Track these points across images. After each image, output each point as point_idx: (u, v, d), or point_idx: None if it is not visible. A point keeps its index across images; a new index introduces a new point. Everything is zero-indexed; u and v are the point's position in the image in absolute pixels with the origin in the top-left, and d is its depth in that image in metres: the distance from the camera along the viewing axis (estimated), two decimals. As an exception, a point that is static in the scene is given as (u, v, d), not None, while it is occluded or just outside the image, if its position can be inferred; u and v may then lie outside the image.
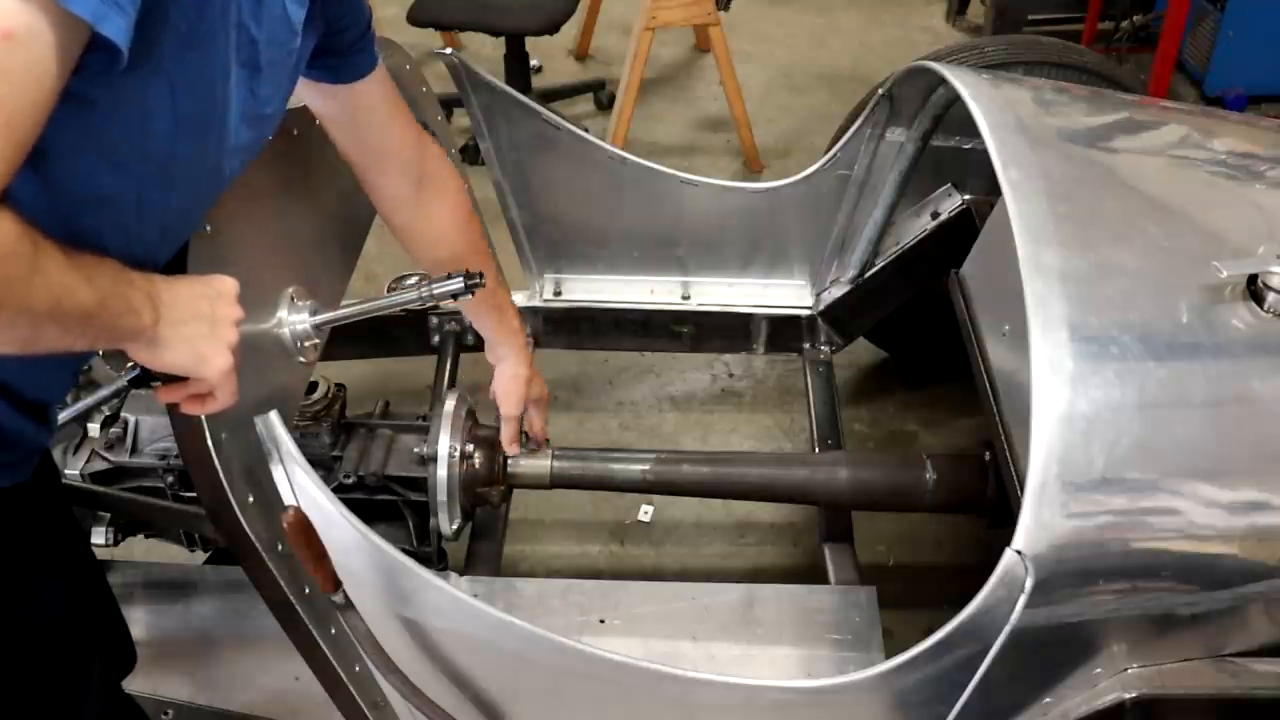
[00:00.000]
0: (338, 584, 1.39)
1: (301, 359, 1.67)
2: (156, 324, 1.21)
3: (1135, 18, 4.69)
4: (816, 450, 2.58)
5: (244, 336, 1.41)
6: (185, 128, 1.19)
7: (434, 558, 2.24)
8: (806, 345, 2.84)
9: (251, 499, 1.43)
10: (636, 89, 4.12)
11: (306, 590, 1.50)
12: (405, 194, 1.84)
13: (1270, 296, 1.57)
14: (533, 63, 4.62)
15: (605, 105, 4.65)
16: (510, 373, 2.18)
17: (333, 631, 1.55)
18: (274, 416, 1.43)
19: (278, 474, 1.43)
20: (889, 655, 1.98)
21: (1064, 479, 1.44)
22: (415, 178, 1.83)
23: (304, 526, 1.32)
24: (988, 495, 2.13)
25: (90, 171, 1.15)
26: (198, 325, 1.27)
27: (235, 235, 1.54)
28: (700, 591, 2.20)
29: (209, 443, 1.36)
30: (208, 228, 1.43)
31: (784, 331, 2.83)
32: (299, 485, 1.42)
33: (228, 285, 1.33)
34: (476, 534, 2.36)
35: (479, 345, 2.81)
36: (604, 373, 3.31)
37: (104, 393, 2.02)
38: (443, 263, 1.88)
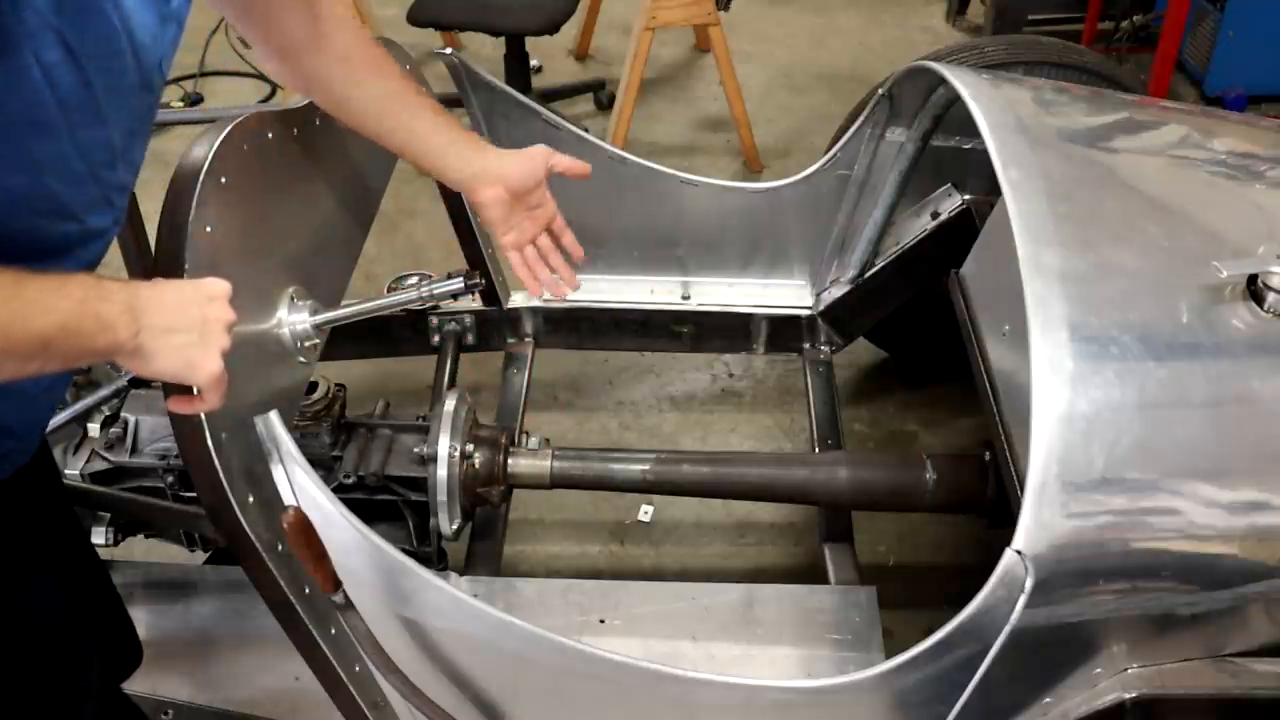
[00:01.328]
0: (338, 584, 1.39)
1: (301, 359, 1.67)
2: (137, 335, 1.20)
3: (1135, 18, 4.69)
4: (816, 450, 2.59)
5: (243, 336, 1.41)
6: (94, 65, 1.17)
7: (434, 558, 2.24)
8: (806, 345, 2.84)
9: (251, 499, 1.43)
10: (636, 89, 4.12)
11: (306, 590, 1.50)
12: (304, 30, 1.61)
13: (1270, 296, 1.57)
14: (533, 63, 4.62)
15: (605, 105, 4.65)
16: (517, 155, 1.86)
17: (333, 631, 1.55)
18: (274, 416, 1.43)
19: (278, 474, 1.43)
20: (889, 655, 1.98)
21: (1064, 479, 1.44)
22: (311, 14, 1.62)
23: (304, 526, 1.32)
24: (988, 495, 2.13)
25: (13, 142, 1.14)
26: (186, 334, 1.25)
27: (235, 235, 1.54)
28: (700, 591, 2.20)
29: (209, 443, 1.36)
30: (208, 228, 1.43)
31: (784, 331, 2.83)
32: (299, 485, 1.42)
33: (219, 288, 1.32)
34: (476, 534, 2.36)
35: (479, 345, 2.84)
36: (604, 373, 3.31)
37: (103, 393, 2.02)
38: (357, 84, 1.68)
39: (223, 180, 1.49)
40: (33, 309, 1.08)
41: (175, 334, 1.24)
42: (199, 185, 1.43)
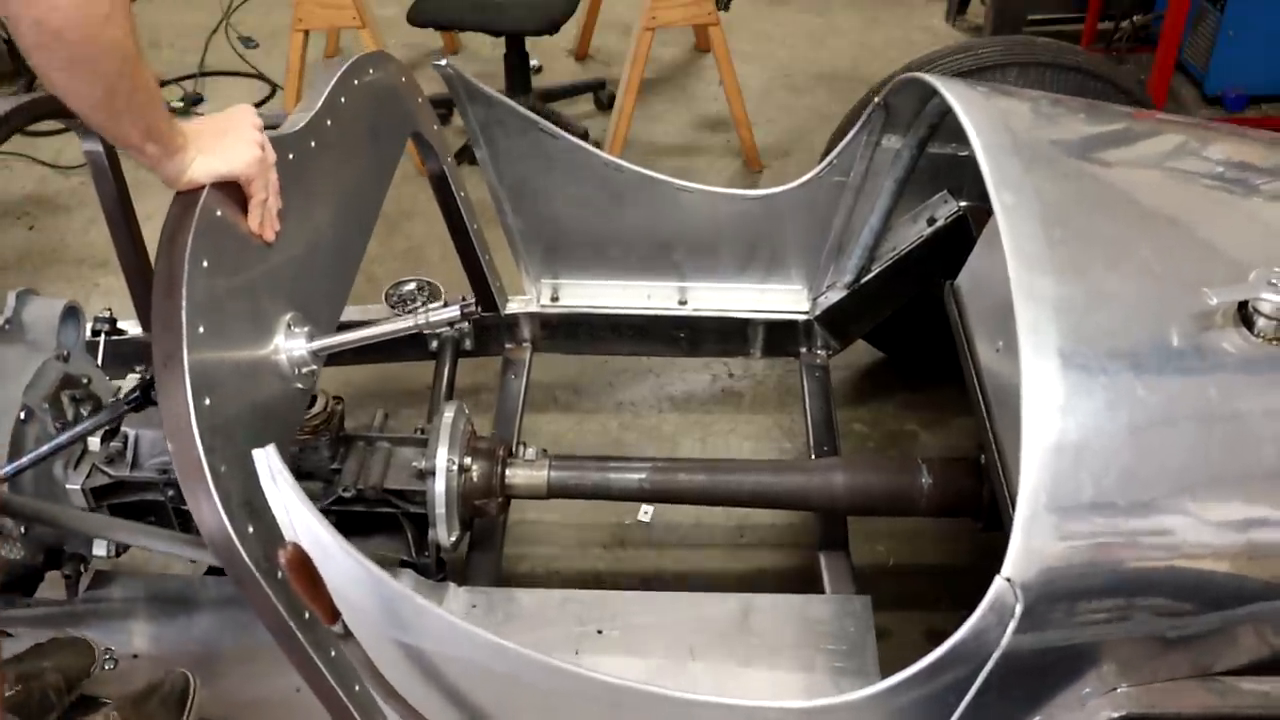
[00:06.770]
0: (336, 615, 1.40)
1: (299, 385, 1.68)
2: (188, 147, 1.50)
3: (1135, 18, 4.69)
4: (813, 454, 2.60)
5: (241, 364, 1.42)
6: None
7: (433, 569, 2.25)
8: (803, 349, 2.86)
9: (251, 529, 1.43)
10: (637, 89, 4.11)
11: (306, 615, 1.51)
12: None
13: (1260, 322, 1.57)
14: (533, 63, 4.61)
15: (605, 105, 4.64)
16: None
17: (332, 654, 1.55)
18: (272, 450, 1.44)
19: (276, 506, 1.44)
20: (886, 655, 2.00)
21: (1053, 506, 1.45)
22: None
23: (303, 563, 1.33)
24: (983, 499, 2.14)
25: None
26: (222, 138, 1.55)
27: (231, 265, 1.55)
28: (697, 601, 2.21)
29: (208, 477, 1.37)
30: (205, 262, 1.44)
31: (780, 336, 2.84)
32: (297, 516, 1.43)
33: (242, 107, 1.64)
34: (475, 544, 2.38)
35: (477, 350, 2.85)
36: (603, 374, 3.32)
37: (103, 416, 2.03)
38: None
39: (218, 214, 1.51)
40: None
41: (218, 145, 1.55)
42: (194, 221, 1.44)
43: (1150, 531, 1.49)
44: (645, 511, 2.89)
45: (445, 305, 1.71)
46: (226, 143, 1.57)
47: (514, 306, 2.84)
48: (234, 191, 1.58)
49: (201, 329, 1.43)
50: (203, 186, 1.52)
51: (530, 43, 4.30)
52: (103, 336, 2.36)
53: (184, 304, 1.38)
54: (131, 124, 1.41)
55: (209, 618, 2.20)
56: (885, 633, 2.16)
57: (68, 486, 2.09)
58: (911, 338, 3.07)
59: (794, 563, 2.75)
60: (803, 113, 4.62)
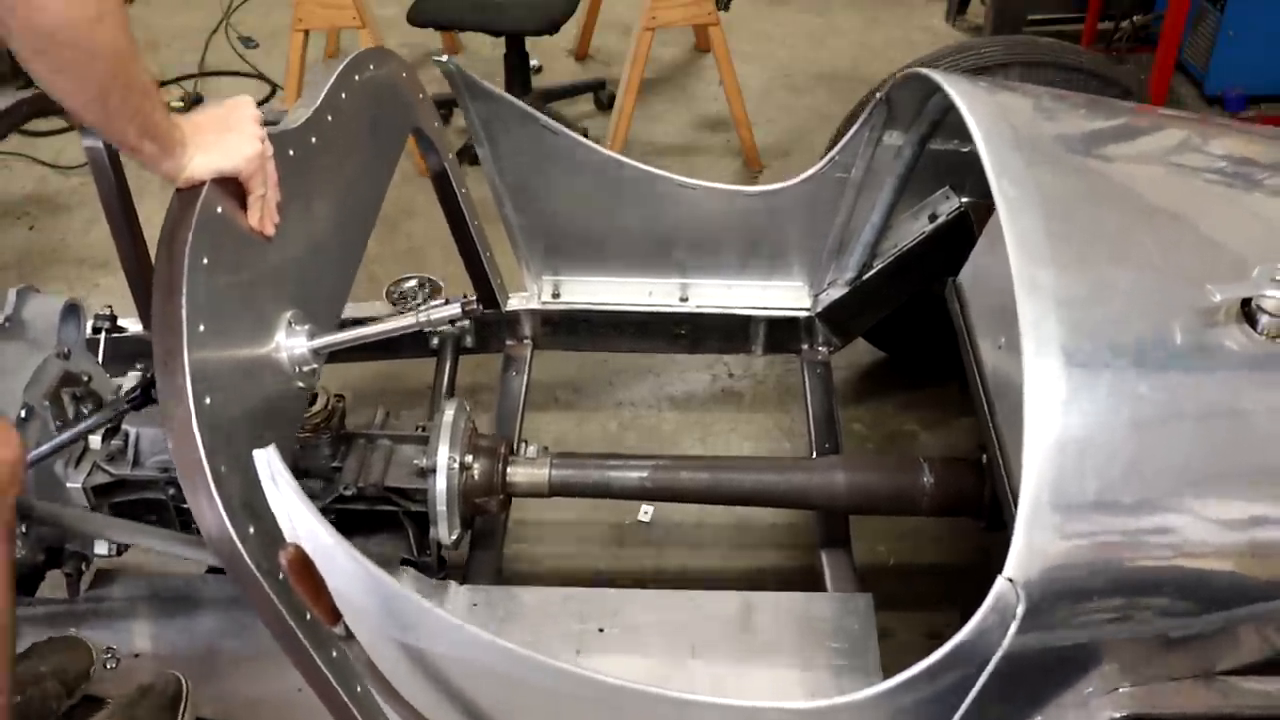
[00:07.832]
0: (338, 616, 1.40)
1: (300, 383, 1.68)
2: (186, 144, 1.49)
3: (1135, 18, 4.69)
4: (814, 452, 2.59)
5: (242, 363, 1.41)
6: None
7: (434, 567, 2.25)
8: (805, 346, 2.85)
9: (252, 530, 1.43)
10: (637, 89, 4.11)
11: (308, 616, 1.50)
12: None
13: (1264, 319, 1.57)
14: (533, 63, 4.60)
15: (605, 105, 4.64)
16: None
17: (334, 655, 1.55)
18: (272, 450, 1.44)
19: (277, 507, 1.44)
20: (888, 655, 1.99)
21: (1056, 505, 1.45)
22: None
23: (304, 564, 1.33)
24: (984, 499, 2.13)
25: None
26: (223, 134, 1.55)
27: (232, 262, 1.55)
28: (699, 599, 2.21)
29: (209, 478, 1.37)
30: (205, 259, 1.43)
31: (782, 333, 2.84)
32: (298, 518, 1.42)
33: (242, 99, 1.63)
34: (476, 542, 2.37)
35: (478, 348, 2.84)
36: (604, 373, 3.32)
37: (104, 415, 2.02)
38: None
39: (218, 210, 1.50)
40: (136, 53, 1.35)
41: (219, 140, 1.54)
42: (194, 218, 1.44)
43: (1153, 530, 1.49)
44: (645, 511, 2.88)
45: (446, 303, 1.71)
46: (228, 139, 1.56)
47: (515, 303, 2.83)
48: (234, 187, 1.57)
49: (202, 328, 1.43)
50: (203, 183, 1.52)
51: (530, 43, 4.29)
52: (103, 334, 2.36)
53: (184, 303, 1.37)
54: (127, 123, 1.41)
55: (211, 616, 2.20)
56: (886, 633, 2.15)
57: (69, 485, 2.09)
58: (912, 337, 3.06)
59: (795, 563, 2.74)
60: (803, 113, 4.61)
